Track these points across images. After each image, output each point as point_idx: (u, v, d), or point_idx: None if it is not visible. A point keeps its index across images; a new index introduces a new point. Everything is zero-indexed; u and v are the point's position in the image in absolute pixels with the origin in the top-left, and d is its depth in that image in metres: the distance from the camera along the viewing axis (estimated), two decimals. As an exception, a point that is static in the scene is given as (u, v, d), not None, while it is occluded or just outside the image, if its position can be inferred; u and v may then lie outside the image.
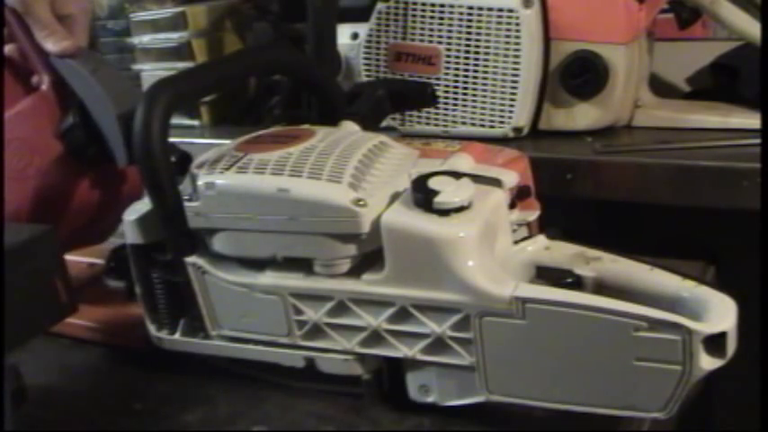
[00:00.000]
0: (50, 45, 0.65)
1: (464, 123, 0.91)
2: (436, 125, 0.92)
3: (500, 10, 0.86)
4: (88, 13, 0.70)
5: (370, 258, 0.53)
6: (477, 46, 0.88)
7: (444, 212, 0.50)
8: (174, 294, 0.60)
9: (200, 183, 0.55)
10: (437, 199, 0.50)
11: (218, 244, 0.57)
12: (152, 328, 0.62)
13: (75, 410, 0.62)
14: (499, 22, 0.87)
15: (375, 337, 0.54)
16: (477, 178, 0.52)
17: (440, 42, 0.90)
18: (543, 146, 0.88)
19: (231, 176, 0.55)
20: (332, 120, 0.64)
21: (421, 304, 0.52)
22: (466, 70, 0.89)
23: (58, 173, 0.66)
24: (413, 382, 0.55)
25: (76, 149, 0.65)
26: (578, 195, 0.84)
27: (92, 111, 0.64)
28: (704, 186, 0.79)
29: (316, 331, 0.56)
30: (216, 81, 0.63)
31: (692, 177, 0.79)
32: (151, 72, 1.11)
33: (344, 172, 0.53)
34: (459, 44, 0.89)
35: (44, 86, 0.67)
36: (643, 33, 0.90)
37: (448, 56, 0.90)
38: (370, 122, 0.66)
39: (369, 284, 0.53)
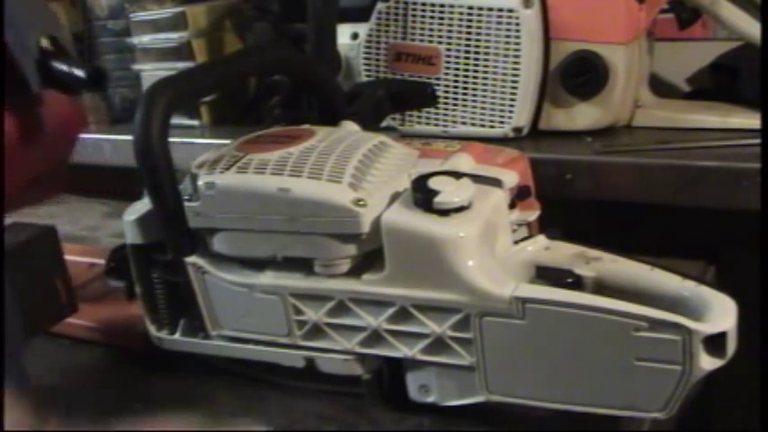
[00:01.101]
0: None
1: (464, 123, 0.90)
2: (436, 125, 0.92)
3: (500, 10, 0.86)
4: None
5: (370, 258, 0.53)
6: (477, 46, 0.88)
7: (444, 212, 0.50)
8: (174, 294, 0.60)
9: (200, 183, 0.55)
10: (437, 199, 0.50)
11: (219, 244, 0.57)
12: (152, 328, 0.62)
13: (76, 410, 0.62)
14: (499, 22, 0.86)
15: (375, 337, 0.54)
16: (477, 178, 0.52)
17: (440, 42, 0.89)
18: (543, 146, 0.88)
19: (231, 176, 0.55)
20: (332, 120, 0.64)
21: (421, 304, 0.52)
22: (466, 70, 0.89)
23: None
24: (413, 382, 0.55)
25: None
26: (578, 195, 0.84)
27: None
28: (704, 186, 0.78)
29: (316, 331, 0.56)
30: (216, 81, 0.63)
31: (691, 177, 0.79)
32: (151, 72, 1.11)
33: (344, 172, 0.53)
34: (459, 44, 0.89)
35: None
36: (643, 33, 0.90)
37: (448, 56, 0.89)
38: (370, 122, 0.66)
39: (369, 284, 0.53)
